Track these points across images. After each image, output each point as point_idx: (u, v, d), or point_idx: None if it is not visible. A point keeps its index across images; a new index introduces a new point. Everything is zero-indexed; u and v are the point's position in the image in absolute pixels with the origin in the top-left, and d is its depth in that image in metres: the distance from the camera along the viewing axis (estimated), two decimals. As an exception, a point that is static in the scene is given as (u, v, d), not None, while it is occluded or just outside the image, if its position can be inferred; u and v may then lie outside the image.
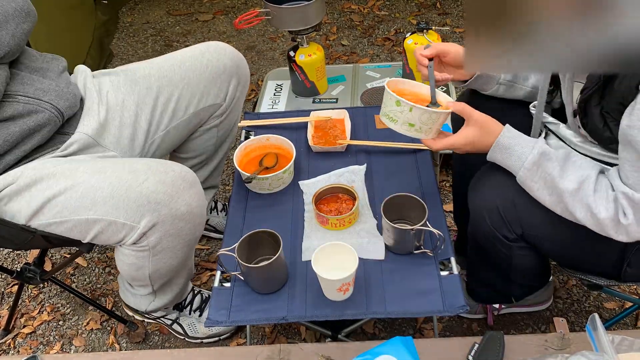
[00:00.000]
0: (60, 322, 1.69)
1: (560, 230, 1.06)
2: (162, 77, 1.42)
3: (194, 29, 3.06)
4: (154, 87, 1.41)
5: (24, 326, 1.69)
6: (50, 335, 1.66)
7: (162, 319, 1.55)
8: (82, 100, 1.37)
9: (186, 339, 1.57)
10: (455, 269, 1.13)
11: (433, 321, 1.36)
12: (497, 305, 1.49)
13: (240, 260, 1.09)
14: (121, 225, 1.15)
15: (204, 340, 1.56)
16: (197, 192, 1.20)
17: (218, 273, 1.19)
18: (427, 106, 1.07)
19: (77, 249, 1.33)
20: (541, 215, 1.05)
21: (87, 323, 1.68)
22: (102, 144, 1.32)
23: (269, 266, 1.08)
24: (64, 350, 1.62)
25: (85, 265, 1.84)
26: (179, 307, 1.56)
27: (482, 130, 1.05)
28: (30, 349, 1.63)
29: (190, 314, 1.55)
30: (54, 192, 1.16)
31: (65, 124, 1.31)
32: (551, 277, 1.42)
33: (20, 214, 1.19)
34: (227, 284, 1.17)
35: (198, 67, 1.45)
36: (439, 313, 1.07)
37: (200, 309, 1.56)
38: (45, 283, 1.79)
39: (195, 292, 1.58)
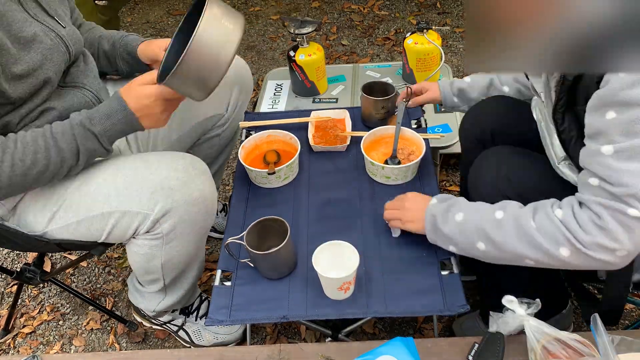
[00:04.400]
0: (60, 322, 1.69)
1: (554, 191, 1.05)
2: None
3: (193, 29, 3.06)
4: None
5: (24, 326, 1.69)
6: (50, 335, 1.66)
7: (168, 324, 1.54)
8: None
9: (192, 347, 1.55)
10: (456, 269, 1.13)
11: (433, 321, 1.36)
12: None
13: (249, 248, 1.11)
14: (135, 215, 1.15)
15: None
16: (208, 178, 1.21)
17: (218, 272, 1.19)
18: (390, 159, 1.35)
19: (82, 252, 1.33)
20: (534, 181, 1.07)
21: (87, 323, 1.67)
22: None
23: (279, 252, 1.10)
24: (64, 350, 1.62)
25: (85, 266, 1.84)
26: (186, 312, 1.55)
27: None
28: (30, 348, 1.63)
29: (196, 320, 1.54)
30: (68, 192, 1.17)
31: (67, 76, 1.31)
32: (569, 305, 1.38)
33: (37, 221, 1.19)
34: (228, 283, 1.17)
35: None
36: (439, 313, 1.07)
37: (207, 316, 1.55)
38: (45, 283, 1.79)
39: (203, 298, 1.57)
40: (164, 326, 1.55)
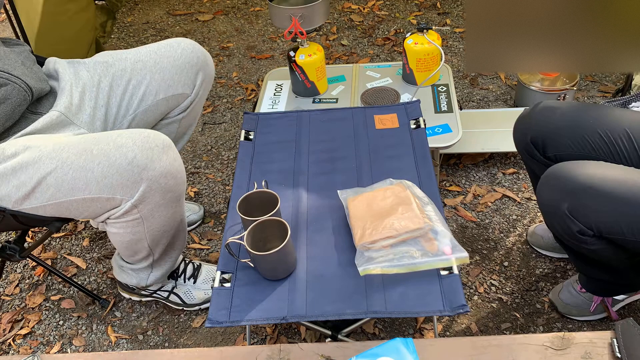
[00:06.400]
0: (60, 322, 1.70)
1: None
2: (137, 61, 1.48)
3: (194, 29, 3.06)
4: (128, 69, 1.47)
5: (24, 326, 1.69)
6: (50, 335, 1.66)
7: (158, 292, 1.60)
8: (57, 81, 1.41)
9: (184, 308, 1.63)
10: (456, 269, 1.13)
11: (433, 321, 1.36)
12: (618, 297, 1.39)
13: (249, 249, 1.11)
14: (119, 201, 1.22)
15: (202, 306, 1.63)
16: (173, 150, 1.28)
17: (218, 273, 1.19)
18: None
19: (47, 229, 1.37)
20: (612, 212, 1.02)
21: (88, 323, 1.68)
22: (75, 122, 1.36)
23: (279, 253, 1.10)
24: (64, 350, 1.62)
25: (85, 267, 1.85)
26: (174, 276, 1.61)
27: None
28: (30, 349, 1.63)
29: (185, 282, 1.61)
30: (42, 174, 1.20)
31: (38, 104, 1.35)
32: None
33: (9, 199, 1.23)
34: (227, 284, 1.17)
35: (172, 55, 1.51)
36: (439, 313, 1.07)
37: (194, 276, 1.63)
38: (47, 284, 1.79)
39: (187, 261, 1.65)
40: (154, 295, 1.61)
